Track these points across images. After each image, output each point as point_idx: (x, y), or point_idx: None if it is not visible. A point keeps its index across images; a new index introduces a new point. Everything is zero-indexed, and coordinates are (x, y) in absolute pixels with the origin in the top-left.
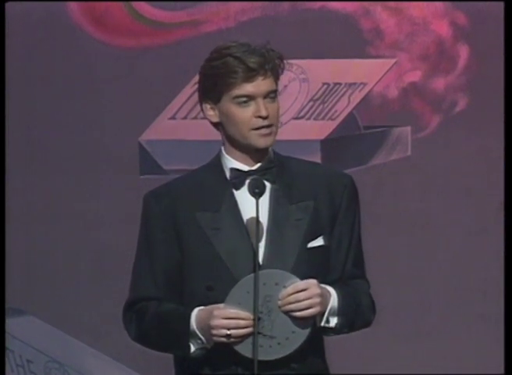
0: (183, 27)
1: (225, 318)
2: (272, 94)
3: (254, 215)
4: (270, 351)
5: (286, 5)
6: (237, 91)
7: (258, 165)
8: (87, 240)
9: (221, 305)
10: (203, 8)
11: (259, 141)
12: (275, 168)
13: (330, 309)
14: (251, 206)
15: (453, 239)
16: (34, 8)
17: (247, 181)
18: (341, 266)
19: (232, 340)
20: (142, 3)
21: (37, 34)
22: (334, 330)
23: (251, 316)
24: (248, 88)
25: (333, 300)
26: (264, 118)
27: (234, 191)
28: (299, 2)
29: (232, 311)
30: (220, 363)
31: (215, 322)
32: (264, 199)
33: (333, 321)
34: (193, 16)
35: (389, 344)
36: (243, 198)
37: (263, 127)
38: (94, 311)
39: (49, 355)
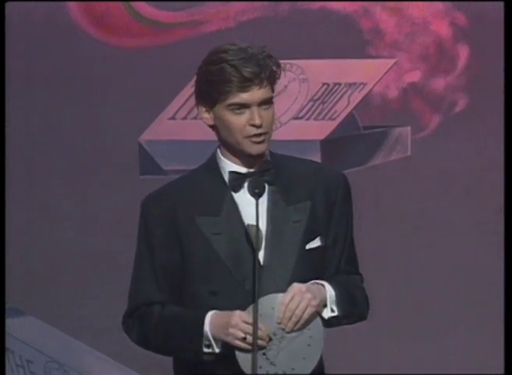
0: (183, 27)
1: (246, 322)
2: (267, 102)
3: (254, 217)
4: None
5: (285, 5)
6: (232, 100)
7: (256, 167)
8: (86, 240)
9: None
10: (203, 9)
11: (252, 148)
12: (273, 169)
13: (330, 297)
14: (251, 209)
15: (453, 239)
16: (34, 8)
17: (247, 182)
18: (336, 263)
19: (243, 345)
20: (142, 3)
21: (37, 34)
22: (337, 318)
23: (267, 332)
24: (243, 97)
25: (329, 289)
26: (258, 126)
27: (233, 194)
28: (299, 2)
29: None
30: (217, 368)
31: (235, 320)
32: (263, 201)
33: (336, 309)
34: (193, 16)
35: (389, 344)
36: (243, 200)
37: (256, 135)
38: (94, 311)
39: (49, 356)
